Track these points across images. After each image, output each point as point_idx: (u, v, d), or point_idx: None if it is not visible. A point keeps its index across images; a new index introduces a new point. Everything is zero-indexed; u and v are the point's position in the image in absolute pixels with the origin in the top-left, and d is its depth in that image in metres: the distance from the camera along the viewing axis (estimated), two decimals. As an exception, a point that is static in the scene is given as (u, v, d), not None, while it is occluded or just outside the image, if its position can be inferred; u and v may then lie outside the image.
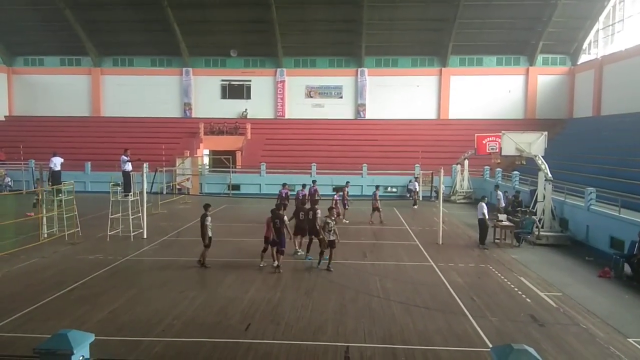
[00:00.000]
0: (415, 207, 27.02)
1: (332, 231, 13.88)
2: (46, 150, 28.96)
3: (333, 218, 14.22)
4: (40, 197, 19.13)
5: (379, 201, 22.06)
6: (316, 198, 18.64)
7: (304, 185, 21.28)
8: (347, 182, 23.84)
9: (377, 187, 23.47)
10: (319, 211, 15.07)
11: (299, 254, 15.58)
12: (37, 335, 8.76)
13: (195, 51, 40.16)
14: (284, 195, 20.70)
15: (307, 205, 17.71)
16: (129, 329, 9.60)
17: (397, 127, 38.12)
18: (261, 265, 14.02)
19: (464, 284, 12.81)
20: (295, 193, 21.16)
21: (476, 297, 11.71)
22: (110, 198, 18.54)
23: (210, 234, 14.05)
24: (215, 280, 13.02)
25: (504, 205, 22.34)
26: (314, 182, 22.61)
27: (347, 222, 21.78)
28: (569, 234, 18.42)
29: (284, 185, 21.58)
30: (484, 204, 17.44)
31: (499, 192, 22.70)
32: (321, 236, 13.94)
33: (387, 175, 31.20)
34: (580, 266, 15.13)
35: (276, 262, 13.73)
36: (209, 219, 14.05)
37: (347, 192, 22.82)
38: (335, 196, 20.70)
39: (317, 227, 14.45)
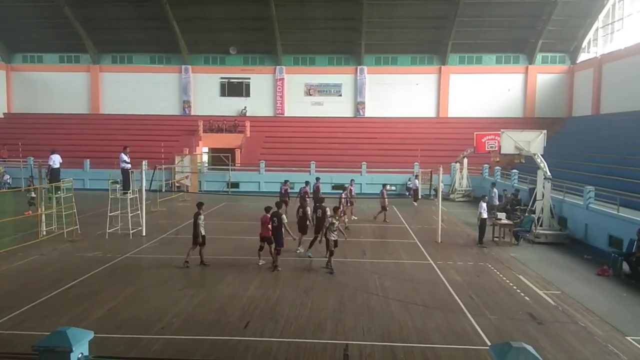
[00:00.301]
0: (415, 203, 27.12)
1: (337, 231, 13.82)
2: (45, 147, 28.90)
3: (337, 218, 14.16)
4: (35, 195, 19.18)
5: (386, 199, 22.07)
6: (320, 196, 18.61)
7: (307, 182, 21.24)
8: (352, 180, 23.63)
9: (384, 185, 23.21)
10: (327, 209, 15.05)
11: (298, 252, 15.59)
12: (36, 333, 8.76)
13: (195, 49, 40.06)
14: (283, 192, 20.76)
15: (309, 203, 17.69)
16: (128, 327, 9.61)
17: (396, 125, 38.10)
18: (260, 263, 14.02)
19: (462, 282, 12.83)
20: (297, 191, 21.13)
21: (475, 295, 11.73)
22: (109, 195, 18.53)
23: (203, 232, 14.06)
24: (215, 278, 13.02)
25: (497, 203, 22.50)
26: (317, 179, 22.53)
27: (356, 218, 21.82)
28: (568, 232, 18.43)
29: (285, 182, 21.65)
30: (483, 204, 17.46)
31: (495, 190, 22.82)
32: (327, 236, 13.72)
33: (387, 174, 31.20)
34: (578, 264, 15.16)
35: (274, 261, 13.70)
36: (202, 217, 14.07)
37: (351, 191, 22.63)
38: (343, 194, 20.69)
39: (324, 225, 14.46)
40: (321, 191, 21.56)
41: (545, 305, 11.23)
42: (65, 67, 41.34)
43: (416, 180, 28.76)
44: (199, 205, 14.34)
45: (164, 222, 20.80)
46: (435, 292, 12.01)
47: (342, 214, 19.52)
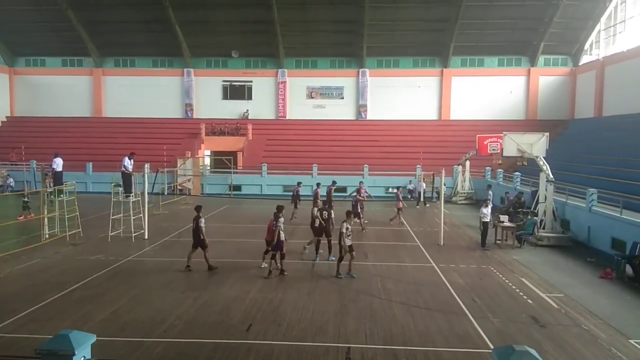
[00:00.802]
0: (427, 205, 27.44)
1: (350, 235, 13.52)
2: (48, 150, 29.03)
3: (351, 222, 13.93)
4: (29, 200, 19.18)
5: (402, 201, 22.11)
6: (326, 198, 18.67)
7: (318, 184, 21.17)
8: (361, 182, 23.48)
9: (398, 187, 23.36)
10: (332, 212, 15.12)
11: (304, 252, 15.62)
12: (39, 336, 8.78)
13: (197, 52, 40.18)
14: (295, 193, 20.96)
15: (318, 204, 17.78)
16: (130, 329, 9.61)
17: (398, 127, 38.09)
18: (262, 265, 14.01)
19: (465, 285, 12.80)
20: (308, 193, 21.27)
21: (477, 298, 11.70)
22: (112, 199, 18.57)
23: (202, 235, 14.07)
24: (217, 280, 13.02)
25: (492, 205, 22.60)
26: (333, 182, 22.27)
27: (357, 220, 21.82)
28: (571, 235, 18.39)
29: (298, 183, 22.24)
30: (483, 209, 17.42)
31: (490, 192, 22.95)
32: (341, 242, 13.32)
33: (389, 176, 31.20)
34: (581, 267, 15.12)
35: (279, 266, 13.67)
36: (202, 220, 14.05)
37: (360, 192, 22.37)
38: (358, 196, 20.73)
39: (330, 228, 14.75)
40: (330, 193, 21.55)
41: (548, 308, 11.20)
42: (68, 71, 41.49)
43: (421, 183, 28.85)
44: (198, 208, 14.33)
45: (166, 225, 20.82)
46: (437, 295, 11.99)
47: (359, 217, 19.54)
